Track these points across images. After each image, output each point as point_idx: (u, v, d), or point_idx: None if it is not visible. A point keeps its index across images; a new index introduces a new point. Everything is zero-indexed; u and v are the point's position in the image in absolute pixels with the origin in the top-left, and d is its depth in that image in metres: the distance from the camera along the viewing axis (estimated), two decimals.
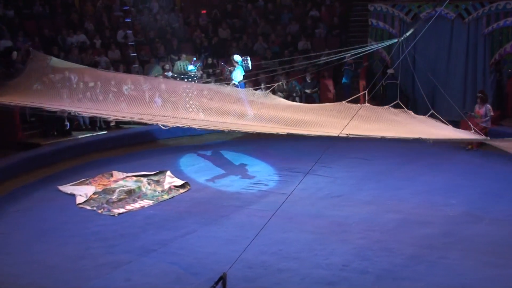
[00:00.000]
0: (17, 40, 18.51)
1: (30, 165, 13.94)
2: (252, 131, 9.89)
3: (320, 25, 21.18)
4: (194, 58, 18.07)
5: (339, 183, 12.52)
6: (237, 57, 16.53)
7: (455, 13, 17.06)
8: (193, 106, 10.05)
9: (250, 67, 16.36)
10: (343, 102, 10.39)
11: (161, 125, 9.78)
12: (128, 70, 19.23)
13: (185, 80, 17.01)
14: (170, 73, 18.43)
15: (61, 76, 12.44)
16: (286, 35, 21.13)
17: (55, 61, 12.64)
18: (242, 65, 16.25)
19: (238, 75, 15.96)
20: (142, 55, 19.96)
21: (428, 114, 9.49)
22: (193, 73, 16.92)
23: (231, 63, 15.79)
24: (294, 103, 10.69)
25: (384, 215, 10.58)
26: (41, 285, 8.50)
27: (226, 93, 11.12)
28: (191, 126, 10.07)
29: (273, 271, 8.64)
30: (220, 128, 10.12)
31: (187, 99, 10.34)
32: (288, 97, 18.33)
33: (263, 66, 19.96)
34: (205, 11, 22.66)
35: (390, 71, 16.54)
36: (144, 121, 10.35)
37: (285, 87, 18.58)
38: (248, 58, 16.17)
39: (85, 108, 10.81)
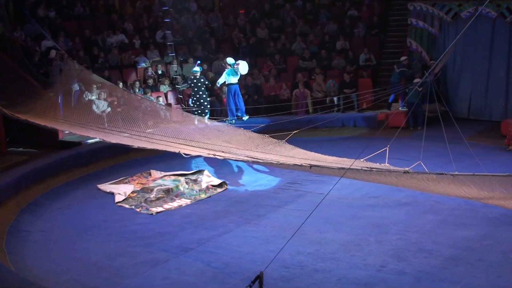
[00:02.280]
0: (58, 41, 18.80)
1: (71, 163, 14.12)
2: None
3: (359, 25, 21.05)
4: (199, 61, 18.15)
5: (376, 184, 12.40)
6: (229, 60, 16.78)
7: (497, 12, 16.81)
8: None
9: (242, 73, 16.61)
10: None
11: (183, 153, 10.00)
12: (166, 70, 19.45)
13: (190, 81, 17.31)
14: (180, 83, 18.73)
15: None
16: (324, 34, 21.05)
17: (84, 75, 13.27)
18: (233, 68, 16.54)
19: (223, 77, 16.78)
20: (181, 55, 20.12)
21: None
22: (198, 75, 17.06)
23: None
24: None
25: (422, 216, 10.49)
26: (81, 282, 8.63)
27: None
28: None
29: (309, 271, 8.63)
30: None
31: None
32: (326, 97, 18.35)
33: (300, 65, 20.00)
34: (243, 11, 22.72)
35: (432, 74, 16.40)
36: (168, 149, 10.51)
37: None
38: (242, 63, 16.41)
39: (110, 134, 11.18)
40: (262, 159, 9.26)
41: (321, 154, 10.18)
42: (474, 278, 8.21)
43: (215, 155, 9.52)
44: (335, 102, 18.21)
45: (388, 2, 21.59)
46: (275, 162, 9.08)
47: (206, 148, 9.76)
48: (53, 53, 17.87)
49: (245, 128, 12.64)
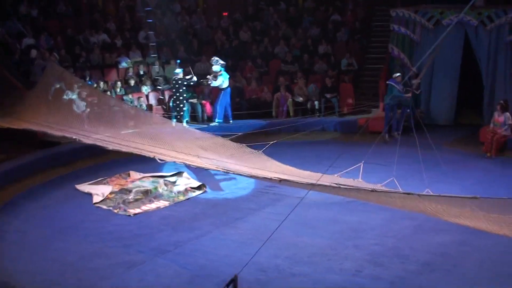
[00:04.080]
0: (40, 39, 18.69)
1: (49, 163, 14.06)
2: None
3: (342, 30, 21.12)
4: (178, 61, 18.21)
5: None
6: (216, 68, 16.93)
7: (478, 20, 16.95)
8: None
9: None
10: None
11: (158, 158, 10.01)
12: (148, 70, 19.40)
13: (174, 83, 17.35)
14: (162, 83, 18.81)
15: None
16: (307, 38, 21.10)
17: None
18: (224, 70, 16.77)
19: (220, 80, 17.16)
20: (163, 56, 20.09)
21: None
22: (179, 76, 17.11)
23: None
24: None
25: (399, 221, 10.52)
26: (56, 283, 8.59)
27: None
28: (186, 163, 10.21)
29: (286, 275, 8.65)
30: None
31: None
32: (308, 101, 18.40)
33: (283, 69, 20.03)
34: (226, 14, 22.72)
35: (416, 81, 16.40)
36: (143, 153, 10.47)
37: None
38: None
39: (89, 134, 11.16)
40: (234, 170, 9.33)
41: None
42: (449, 285, 8.27)
43: (189, 163, 9.60)
44: (316, 107, 18.25)
45: (371, 8, 21.68)
46: (247, 174, 9.17)
47: (178, 157, 9.77)
48: (34, 52, 17.76)
49: (227, 131, 12.72)
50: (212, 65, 17.49)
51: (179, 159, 9.79)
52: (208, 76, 17.52)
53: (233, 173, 9.93)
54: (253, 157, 10.83)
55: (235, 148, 10.90)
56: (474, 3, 15.65)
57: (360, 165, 11.12)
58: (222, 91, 17.37)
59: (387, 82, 16.66)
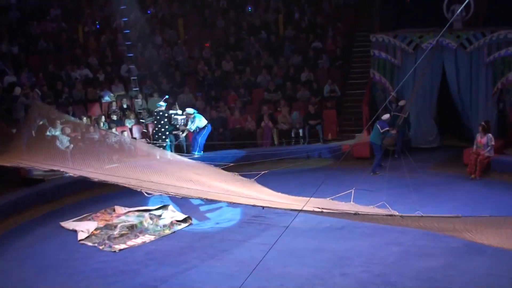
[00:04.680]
0: (21, 76, 18.67)
1: (33, 201, 13.94)
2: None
3: (323, 57, 21.25)
4: (167, 96, 18.14)
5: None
6: (190, 110, 17.00)
7: (457, 43, 17.10)
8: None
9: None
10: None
11: (145, 192, 10.02)
12: (131, 104, 19.39)
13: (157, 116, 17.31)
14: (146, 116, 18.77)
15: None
16: (289, 66, 21.20)
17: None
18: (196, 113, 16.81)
19: (196, 123, 17.05)
20: (146, 89, 20.12)
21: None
22: (161, 109, 17.15)
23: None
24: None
25: (386, 248, 10.51)
26: None
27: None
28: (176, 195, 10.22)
29: None
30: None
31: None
32: (292, 129, 18.43)
33: (266, 97, 20.08)
34: (208, 44, 22.79)
35: (401, 103, 16.39)
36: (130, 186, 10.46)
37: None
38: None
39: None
40: (219, 199, 9.38)
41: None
42: None
43: (176, 194, 9.60)
44: (301, 134, 18.29)
45: (352, 34, 21.86)
46: (230, 201, 9.22)
47: (167, 189, 9.78)
48: (18, 90, 17.70)
49: (212, 162, 12.75)
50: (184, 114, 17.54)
51: (167, 191, 9.78)
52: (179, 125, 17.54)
53: (227, 202, 9.98)
54: (247, 184, 10.89)
55: (228, 175, 10.92)
56: (452, 26, 15.87)
57: (351, 191, 11.08)
58: (203, 129, 17.32)
59: (376, 124, 16.00)
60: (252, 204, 9.45)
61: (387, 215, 7.36)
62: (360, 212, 7.79)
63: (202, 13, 23.87)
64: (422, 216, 7.14)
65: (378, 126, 15.65)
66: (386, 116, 15.96)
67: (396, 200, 12.54)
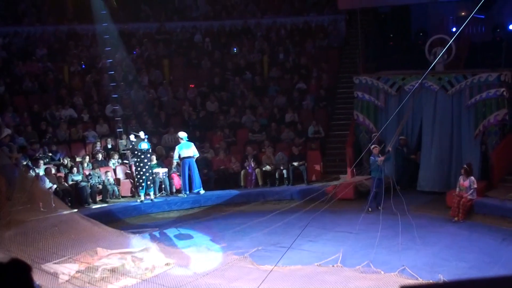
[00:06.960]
0: (5, 116, 18.64)
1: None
2: None
3: (307, 97, 21.39)
4: (147, 136, 17.76)
5: (325, 258, 12.35)
6: (181, 134, 17.05)
7: (439, 85, 17.28)
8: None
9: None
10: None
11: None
12: (116, 144, 19.36)
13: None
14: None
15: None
16: (273, 107, 21.31)
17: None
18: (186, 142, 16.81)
19: (176, 152, 17.26)
20: (131, 129, 20.11)
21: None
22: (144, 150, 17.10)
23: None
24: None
25: None
26: None
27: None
28: None
29: None
30: None
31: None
32: (276, 169, 18.45)
33: (250, 138, 20.14)
34: (193, 85, 22.88)
35: (388, 147, 16.42)
36: None
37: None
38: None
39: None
40: None
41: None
42: None
43: None
44: (285, 175, 18.30)
45: (336, 75, 22.07)
46: None
47: None
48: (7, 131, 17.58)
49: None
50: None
51: None
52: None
53: None
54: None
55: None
56: (434, 69, 16.03)
57: (340, 252, 11.04)
58: (181, 162, 17.32)
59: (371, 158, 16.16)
60: None
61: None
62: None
63: (187, 54, 24.02)
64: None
65: (376, 159, 15.65)
66: (372, 146, 16.03)
67: (379, 243, 12.57)
